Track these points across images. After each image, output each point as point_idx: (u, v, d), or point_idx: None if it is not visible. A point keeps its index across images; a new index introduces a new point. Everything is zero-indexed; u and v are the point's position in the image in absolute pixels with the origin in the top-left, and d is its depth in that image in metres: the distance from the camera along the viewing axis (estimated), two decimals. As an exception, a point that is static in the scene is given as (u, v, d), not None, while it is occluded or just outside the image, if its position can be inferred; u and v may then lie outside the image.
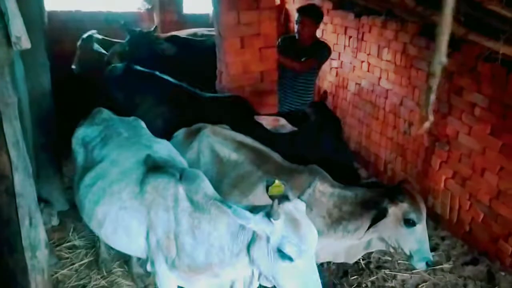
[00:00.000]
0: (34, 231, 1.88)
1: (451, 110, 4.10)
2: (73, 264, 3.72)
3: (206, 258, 2.28)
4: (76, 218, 4.23)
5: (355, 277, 3.62)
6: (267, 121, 3.11)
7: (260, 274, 2.22)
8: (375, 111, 5.15)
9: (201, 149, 2.97)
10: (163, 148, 2.88)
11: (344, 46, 5.56)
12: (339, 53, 5.68)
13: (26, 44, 1.79)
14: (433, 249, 3.82)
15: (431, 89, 0.89)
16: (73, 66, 5.77)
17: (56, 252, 3.80)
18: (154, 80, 4.07)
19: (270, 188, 2.16)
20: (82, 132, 3.10)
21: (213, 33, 5.67)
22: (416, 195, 2.58)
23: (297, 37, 4.43)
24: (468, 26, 3.05)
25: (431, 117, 1.43)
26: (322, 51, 4.51)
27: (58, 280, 3.55)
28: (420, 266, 2.62)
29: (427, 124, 1.27)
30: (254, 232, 2.06)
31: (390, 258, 3.83)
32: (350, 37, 5.42)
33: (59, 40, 6.19)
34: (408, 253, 2.59)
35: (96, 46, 5.56)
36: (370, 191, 2.70)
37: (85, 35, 5.65)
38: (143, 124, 3.22)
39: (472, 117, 3.85)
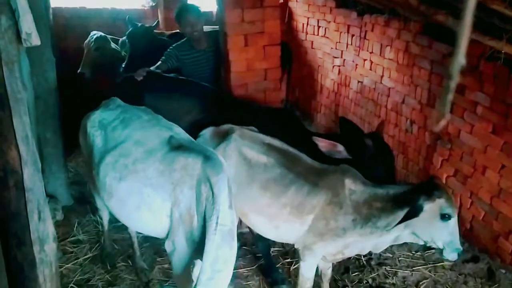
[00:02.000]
0: (43, 225, 1.92)
1: (453, 109, 4.12)
2: (78, 258, 3.78)
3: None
4: (80, 213, 4.30)
5: (356, 273, 3.66)
6: (323, 144, 3.02)
7: None
8: (377, 109, 5.17)
9: (228, 153, 2.92)
10: (181, 132, 2.99)
11: (347, 45, 5.58)
12: (342, 51, 5.70)
13: (36, 41, 1.82)
14: (434, 246, 3.85)
15: (449, 89, 0.91)
16: (82, 71, 5.43)
17: (61, 246, 3.84)
18: (192, 86, 3.98)
19: None
20: (98, 116, 3.14)
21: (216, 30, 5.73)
22: (447, 189, 2.62)
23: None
24: (473, 25, 3.08)
25: (448, 116, 1.48)
26: None
27: (63, 274, 3.59)
28: (452, 256, 2.65)
29: (443, 122, 1.31)
30: None
31: (391, 255, 3.86)
32: (353, 35, 5.44)
33: (63, 36, 6.23)
34: (441, 246, 2.62)
35: (113, 45, 5.46)
36: (402, 187, 2.74)
37: (94, 35, 5.44)
38: (153, 113, 3.25)
39: (474, 116, 3.88)
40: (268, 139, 3.01)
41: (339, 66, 5.84)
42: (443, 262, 3.75)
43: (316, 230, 2.79)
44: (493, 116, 3.68)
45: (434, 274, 3.67)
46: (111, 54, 5.45)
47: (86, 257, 3.80)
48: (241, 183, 2.89)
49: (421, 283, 3.60)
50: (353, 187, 2.75)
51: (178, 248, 2.60)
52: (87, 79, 5.47)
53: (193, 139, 2.94)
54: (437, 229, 2.57)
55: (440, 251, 2.69)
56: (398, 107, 4.85)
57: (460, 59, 1.00)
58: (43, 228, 1.91)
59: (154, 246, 3.88)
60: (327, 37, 5.97)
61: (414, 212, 2.47)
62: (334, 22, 5.76)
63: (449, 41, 4.02)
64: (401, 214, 2.58)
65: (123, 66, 4.92)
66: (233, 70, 4.04)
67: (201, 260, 2.56)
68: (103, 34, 5.49)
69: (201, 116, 3.64)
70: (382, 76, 5.04)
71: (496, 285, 3.55)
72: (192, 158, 2.55)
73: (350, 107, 5.70)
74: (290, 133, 3.35)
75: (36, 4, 3.67)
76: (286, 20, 6.68)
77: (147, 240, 3.89)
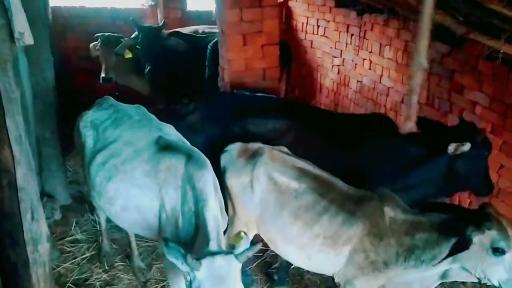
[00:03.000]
0: (36, 225, 1.91)
1: (452, 108, 4.11)
2: (75, 258, 3.77)
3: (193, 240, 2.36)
4: (79, 212, 4.29)
5: None
6: (454, 147, 2.94)
7: None
8: (376, 108, 5.15)
9: (257, 176, 2.75)
10: (172, 132, 2.97)
11: (346, 44, 5.56)
12: (341, 50, 5.68)
13: (29, 40, 1.81)
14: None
15: (413, 91, 0.92)
16: (109, 76, 5.31)
17: (59, 246, 3.84)
18: (271, 102, 3.80)
19: (232, 236, 2.25)
20: (90, 116, 3.16)
21: (215, 30, 5.72)
22: (503, 219, 2.33)
23: None
24: (470, 25, 3.06)
25: (414, 117, 1.48)
26: None
27: (60, 274, 3.59)
28: None
29: (411, 124, 1.31)
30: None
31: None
32: (352, 35, 5.42)
33: (63, 36, 6.23)
34: (497, 284, 2.33)
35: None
36: (448, 216, 2.49)
37: (107, 38, 5.31)
38: (147, 111, 3.26)
39: (473, 115, 3.85)
40: (300, 163, 2.83)
41: (338, 65, 5.82)
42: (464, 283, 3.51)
43: (355, 263, 2.60)
44: (492, 116, 3.66)
45: None
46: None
47: (84, 256, 3.79)
48: (270, 210, 2.73)
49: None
50: (394, 215, 2.56)
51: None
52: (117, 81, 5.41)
53: (184, 140, 2.90)
54: (489, 265, 2.30)
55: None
56: (397, 107, 4.83)
57: (421, 61, 1.00)
58: (36, 228, 1.91)
59: (152, 246, 3.87)
60: (327, 37, 5.95)
61: (463, 245, 2.26)
62: (334, 21, 5.74)
63: (448, 41, 4.01)
64: (447, 246, 2.37)
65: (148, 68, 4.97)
66: (232, 69, 4.04)
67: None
68: (112, 34, 5.42)
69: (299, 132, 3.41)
70: (381, 76, 5.02)
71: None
72: (176, 159, 2.54)
73: (350, 107, 5.69)
74: (387, 138, 3.23)
75: (34, 3, 3.68)
76: (284, 20, 6.66)
77: (145, 239, 3.88)
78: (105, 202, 2.79)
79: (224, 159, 2.94)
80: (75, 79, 6.14)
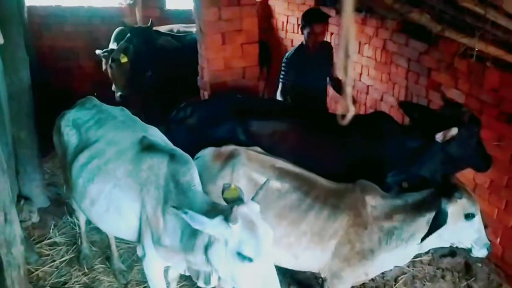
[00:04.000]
0: (9, 227, 1.87)
1: (430, 106, 4.17)
2: (54, 261, 3.70)
3: (181, 242, 2.34)
4: (57, 214, 4.22)
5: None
6: (442, 135, 3.00)
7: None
8: (356, 107, 5.17)
9: (236, 178, 2.70)
10: (156, 134, 2.93)
11: (326, 43, 5.59)
12: (321, 49, 5.71)
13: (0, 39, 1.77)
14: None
15: (346, 82, 0.95)
16: (120, 92, 5.18)
17: (37, 249, 3.78)
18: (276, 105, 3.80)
19: (225, 192, 2.19)
20: (73, 115, 3.10)
21: (190, 29, 5.69)
22: (464, 185, 2.56)
23: (306, 45, 4.15)
24: (445, 23, 3.11)
25: (352, 108, 1.54)
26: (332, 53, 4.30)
27: (39, 277, 3.53)
28: (482, 253, 2.57)
29: (349, 115, 1.37)
30: (210, 236, 2.08)
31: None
32: (332, 33, 5.46)
33: (39, 35, 6.12)
34: (469, 245, 2.55)
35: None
36: (420, 194, 2.63)
37: (116, 51, 5.10)
38: (130, 113, 3.21)
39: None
40: (279, 162, 2.81)
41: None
42: (421, 257, 3.79)
43: (341, 255, 2.64)
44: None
45: (413, 269, 3.71)
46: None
47: (62, 259, 3.73)
48: None
49: (399, 277, 3.64)
50: (374, 203, 2.64)
51: (147, 253, 2.56)
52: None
53: (166, 141, 2.86)
54: (463, 229, 2.50)
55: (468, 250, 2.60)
56: (377, 105, 4.88)
57: (350, 54, 1.02)
58: (9, 230, 1.87)
59: (133, 247, 3.82)
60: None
61: (441, 220, 2.38)
62: (313, 20, 5.76)
63: (425, 39, 4.07)
64: (422, 220, 2.52)
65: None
66: (211, 68, 4.01)
67: (172, 267, 2.51)
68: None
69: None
70: (361, 74, 5.08)
71: (472, 279, 3.62)
72: (157, 158, 2.51)
73: (330, 105, 5.71)
74: (390, 136, 3.28)
75: (7, 2, 3.60)
76: (266, 18, 6.66)
77: (125, 241, 3.84)
78: (87, 203, 2.73)
79: (197, 165, 2.80)
80: (52, 79, 6.02)
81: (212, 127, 3.34)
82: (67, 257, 3.76)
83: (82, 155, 2.78)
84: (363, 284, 3.56)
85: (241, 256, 1.98)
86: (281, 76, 4.15)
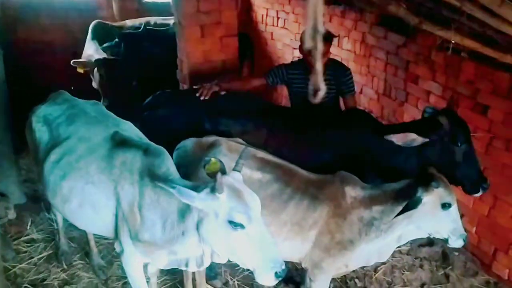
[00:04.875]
0: (-16, 224, 1.83)
1: (408, 98, 4.23)
2: (32, 258, 3.66)
3: (163, 234, 2.33)
4: (34, 211, 4.15)
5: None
6: (397, 139, 2.86)
7: (212, 253, 2.30)
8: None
9: None
10: (130, 128, 2.88)
11: (306, 36, 5.60)
12: (301, 42, 5.72)
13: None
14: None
15: (316, 57, 0.96)
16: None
17: (14, 246, 3.72)
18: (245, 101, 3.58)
19: (207, 166, 2.23)
20: (43, 111, 3.03)
21: (169, 21, 5.62)
22: (442, 176, 2.55)
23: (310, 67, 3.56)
24: (423, 16, 3.14)
25: (323, 85, 1.55)
26: (343, 76, 3.80)
27: (16, 274, 3.47)
28: (459, 243, 2.58)
29: (320, 94, 1.39)
30: (199, 212, 2.12)
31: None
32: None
33: (13, 28, 5.97)
34: (446, 235, 2.56)
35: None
36: (399, 184, 2.64)
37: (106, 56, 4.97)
38: (104, 108, 3.16)
39: (428, 105, 3.98)
40: (260, 153, 2.82)
41: (298, 57, 5.84)
42: (400, 247, 3.84)
43: (321, 245, 2.66)
44: (444, 104, 3.78)
45: (392, 259, 3.75)
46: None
47: (40, 256, 3.68)
48: None
49: (379, 267, 3.69)
50: (354, 194, 2.65)
51: (125, 249, 2.55)
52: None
53: (140, 136, 2.82)
54: (440, 219, 2.51)
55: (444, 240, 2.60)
56: (356, 98, 4.90)
57: (319, 28, 1.04)
58: (-17, 227, 1.82)
59: (113, 243, 3.76)
60: (286, 28, 5.98)
61: (412, 204, 2.41)
62: (293, 13, 5.78)
63: (403, 32, 4.11)
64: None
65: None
66: (190, 61, 3.98)
67: (152, 263, 2.48)
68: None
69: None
70: (340, 67, 5.08)
71: (449, 267, 3.70)
72: (130, 153, 2.48)
73: (310, 98, 5.74)
74: (368, 133, 3.14)
75: (-22, -6, 3.50)
76: (246, 11, 6.63)
77: (104, 237, 3.79)
78: (60, 201, 2.68)
79: (178, 156, 2.86)
80: (28, 73, 5.89)
81: (180, 119, 3.31)
82: (45, 253, 3.71)
83: (53, 152, 2.72)
84: (344, 275, 3.61)
85: (233, 224, 2.02)
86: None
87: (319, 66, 1.10)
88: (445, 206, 2.47)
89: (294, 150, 3.10)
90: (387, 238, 2.65)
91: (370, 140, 3.11)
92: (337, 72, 3.73)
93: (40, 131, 2.92)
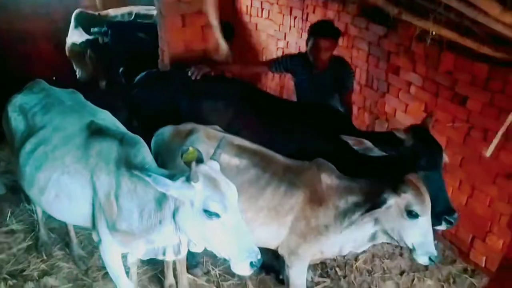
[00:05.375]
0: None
1: (390, 89, 4.26)
2: (11, 248, 3.63)
3: (140, 223, 2.32)
4: (14, 202, 4.11)
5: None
6: (352, 142, 2.78)
7: (189, 241, 2.31)
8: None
9: None
10: (107, 117, 2.86)
11: (290, 27, 5.59)
12: (285, 33, 5.71)
13: None
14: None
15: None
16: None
17: (-7, 237, 3.69)
18: (224, 83, 3.66)
19: (184, 155, 2.21)
20: (19, 100, 2.99)
21: (151, 12, 5.57)
22: (421, 186, 2.44)
23: (312, 61, 3.75)
24: (402, 6, 3.15)
25: (224, 45, 1.54)
26: (345, 75, 3.83)
27: (-5, 265, 3.45)
28: (423, 260, 2.48)
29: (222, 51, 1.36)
30: (175, 200, 2.12)
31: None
32: (295, 17, 5.46)
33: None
34: (411, 246, 2.47)
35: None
36: (376, 181, 2.62)
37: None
38: (82, 97, 3.12)
39: (408, 95, 4.02)
40: (237, 140, 2.83)
41: (282, 48, 5.84)
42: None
43: (297, 231, 2.68)
44: (424, 95, 3.83)
45: (372, 247, 3.78)
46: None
47: (20, 247, 3.65)
48: None
49: (360, 256, 3.74)
50: (330, 182, 2.67)
51: (103, 238, 2.54)
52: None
53: (117, 125, 2.81)
54: (404, 228, 2.44)
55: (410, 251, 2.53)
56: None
57: None
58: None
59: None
60: (271, 19, 5.95)
61: (375, 204, 2.40)
62: (277, 4, 5.75)
63: (384, 23, 4.12)
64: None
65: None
66: (171, 51, 3.95)
67: (130, 253, 2.47)
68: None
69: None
70: (323, 58, 5.09)
71: (428, 256, 3.74)
72: (106, 143, 2.47)
73: (293, 89, 5.74)
74: (335, 130, 2.99)
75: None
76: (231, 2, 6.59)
77: (85, 227, 3.77)
78: (36, 192, 2.65)
79: (156, 144, 2.86)
80: (9, 63, 5.80)
81: (162, 98, 3.41)
82: (24, 244, 3.68)
83: (29, 142, 2.68)
84: (325, 263, 3.64)
85: (208, 213, 2.04)
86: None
87: (215, 23, 1.08)
88: (411, 214, 2.39)
89: (255, 135, 3.08)
90: (357, 231, 2.65)
91: (319, 140, 3.08)
92: (339, 70, 3.82)
93: (16, 121, 2.88)
